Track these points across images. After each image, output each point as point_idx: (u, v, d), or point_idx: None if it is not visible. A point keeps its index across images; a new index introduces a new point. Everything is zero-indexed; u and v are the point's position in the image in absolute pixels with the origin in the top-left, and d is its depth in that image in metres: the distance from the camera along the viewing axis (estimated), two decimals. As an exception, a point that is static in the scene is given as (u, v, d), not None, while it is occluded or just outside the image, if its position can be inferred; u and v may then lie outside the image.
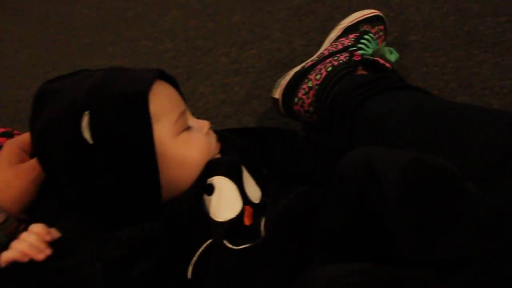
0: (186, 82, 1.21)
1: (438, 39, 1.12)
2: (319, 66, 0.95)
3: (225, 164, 0.65)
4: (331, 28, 1.05)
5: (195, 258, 0.61)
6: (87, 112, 0.60)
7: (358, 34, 0.98)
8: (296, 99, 0.94)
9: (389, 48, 0.93)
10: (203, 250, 0.62)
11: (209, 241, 0.62)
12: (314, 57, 1.00)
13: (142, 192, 0.62)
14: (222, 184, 0.64)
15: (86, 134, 0.60)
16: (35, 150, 0.64)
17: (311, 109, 0.92)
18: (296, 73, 0.97)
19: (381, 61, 0.89)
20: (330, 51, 0.97)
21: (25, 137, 0.68)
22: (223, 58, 1.24)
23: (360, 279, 0.53)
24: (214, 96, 1.16)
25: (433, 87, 1.02)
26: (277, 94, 0.98)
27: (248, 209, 0.65)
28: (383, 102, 0.78)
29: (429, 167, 0.51)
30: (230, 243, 0.60)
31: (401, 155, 0.57)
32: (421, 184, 0.50)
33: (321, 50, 1.03)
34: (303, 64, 1.00)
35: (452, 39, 1.12)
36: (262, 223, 0.62)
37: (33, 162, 0.66)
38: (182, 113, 0.66)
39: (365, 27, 1.00)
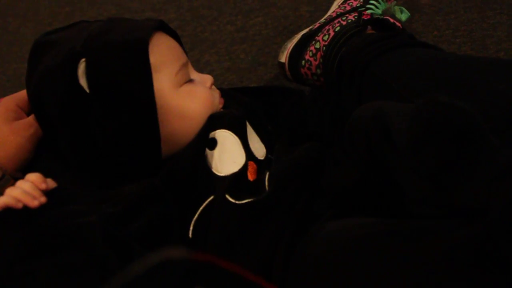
0: (191, 51, 1.18)
1: (450, 2, 1.08)
2: (326, 27, 0.91)
3: (228, 117, 0.63)
4: (339, -8, 1.02)
5: (196, 216, 0.59)
6: (83, 60, 0.58)
7: (367, -5, 0.94)
8: (303, 62, 0.91)
9: (399, 7, 0.89)
10: (205, 208, 0.59)
11: (211, 198, 0.60)
12: (322, 19, 0.97)
13: (141, 145, 0.60)
14: (225, 138, 0.62)
15: (83, 82, 0.57)
16: (32, 104, 0.62)
17: (318, 71, 0.89)
18: (303, 35, 0.94)
19: (392, 20, 0.86)
20: (338, 13, 0.94)
21: (22, 94, 0.66)
22: (228, 27, 1.21)
23: (372, 230, 0.51)
24: (219, 64, 1.13)
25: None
26: (284, 57, 0.95)
27: (252, 165, 0.62)
28: (393, 59, 0.75)
29: (445, 106, 0.47)
30: (233, 198, 0.58)
31: (414, 105, 0.54)
32: (436, 124, 0.46)
33: (329, 12, 0.99)
34: (310, 27, 0.97)
35: (464, 2, 1.08)
36: (266, 178, 0.60)
37: (30, 119, 0.64)
38: (184, 65, 0.64)
39: (375, -12, 0.97)
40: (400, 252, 0.46)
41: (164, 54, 0.62)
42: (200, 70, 1.15)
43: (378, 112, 0.56)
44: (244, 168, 0.60)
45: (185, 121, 0.62)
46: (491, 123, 0.55)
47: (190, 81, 0.64)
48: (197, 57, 1.16)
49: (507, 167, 0.47)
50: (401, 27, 0.86)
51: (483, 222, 0.45)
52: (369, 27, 0.88)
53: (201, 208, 0.60)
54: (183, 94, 0.62)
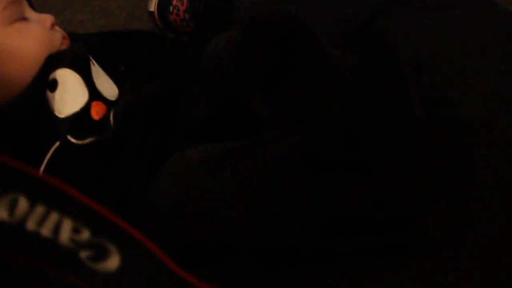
0: (63, 12, 1.11)
1: None
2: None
3: (68, 55, 0.58)
4: None
5: (43, 166, 0.55)
6: None
7: None
8: (171, 8, 0.88)
9: None
10: (52, 155, 0.55)
11: (56, 144, 0.56)
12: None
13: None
14: (65, 77, 0.57)
15: None
16: None
17: (187, 16, 0.86)
18: (170, -19, 0.91)
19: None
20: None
21: None
22: (102, -16, 1.15)
23: (211, 151, 0.49)
24: (93, 23, 1.07)
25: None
26: (152, 6, 0.91)
27: (100, 105, 0.58)
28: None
29: (270, 12, 0.45)
30: (75, 138, 0.54)
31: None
32: (259, 29, 0.44)
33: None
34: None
35: None
36: (111, 116, 0.56)
37: None
38: (14, 2, 0.58)
39: None
40: (235, 166, 0.45)
41: None
42: (73, 29, 1.09)
43: (230, 41, 0.54)
44: (87, 107, 0.56)
45: (18, 61, 0.56)
46: (333, 41, 0.55)
47: (24, 19, 0.59)
48: (70, 17, 1.09)
49: (339, 72, 0.46)
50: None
51: (313, 128, 0.44)
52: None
53: (48, 156, 0.55)
54: (12, 32, 0.57)
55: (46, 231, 0.30)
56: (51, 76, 0.57)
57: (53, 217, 0.30)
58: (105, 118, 0.57)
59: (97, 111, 0.57)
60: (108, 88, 0.61)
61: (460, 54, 0.49)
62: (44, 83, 0.57)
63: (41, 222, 0.30)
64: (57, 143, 0.55)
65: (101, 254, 0.31)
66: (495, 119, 0.42)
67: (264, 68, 0.45)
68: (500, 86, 0.45)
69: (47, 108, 0.56)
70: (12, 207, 0.29)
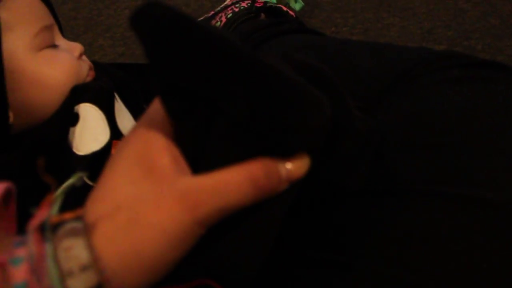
0: (84, 34, 1.11)
1: (348, 1, 1.10)
2: (220, 14, 0.89)
3: (93, 89, 0.57)
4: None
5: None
6: None
7: (263, -15, 0.93)
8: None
9: (294, -4, 0.89)
10: (64, 192, 0.54)
11: (70, 181, 0.54)
12: (218, 8, 0.95)
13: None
14: (88, 112, 0.56)
15: None
16: None
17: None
18: (197, 21, 0.91)
19: (285, 9, 0.85)
20: (234, 1, 0.92)
21: None
22: (126, 12, 1.15)
23: None
24: (113, 49, 1.07)
25: (340, 47, 0.99)
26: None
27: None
28: (279, 43, 0.74)
29: (313, 67, 0.42)
30: (91, 180, 0.53)
31: None
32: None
33: (226, 2, 0.97)
34: (206, 15, 0.94)
35: (362, 2, 1.09)
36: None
37: None
38: (47, 28, 0.57)
39: (272, -21, 0.96)
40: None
41: (21, 12, 0.55)
42: (91, 54, 1.09)
43: None
44: (107, 147, 0.55)
45: (43, 89, 0.55)
46: (356, 101, 0.54)
47: (54, 46, 0.58)
48: (90, 41, 1.09)
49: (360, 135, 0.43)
50: (294, 15, 0.85)
51: None
52: (262, 15, 0.86)
53: (59, 191, 0.54)
54: (41, 59, 0.56)
55: None
56: (75, 110, 0.56)
57: None
58: None
59: None
60: (130, 127, 0.60)
61: (489, 131, 0.46)
62: (67, 115, 0.56)
63: None
64: (70, 180, 0.54)
65: None
66: None
67: None
68: None
69: (66, 142, 0.55)
70: None
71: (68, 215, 0.31)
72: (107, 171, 0.33)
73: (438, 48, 0.98)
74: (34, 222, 0.31)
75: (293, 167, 0.31)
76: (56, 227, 0.30)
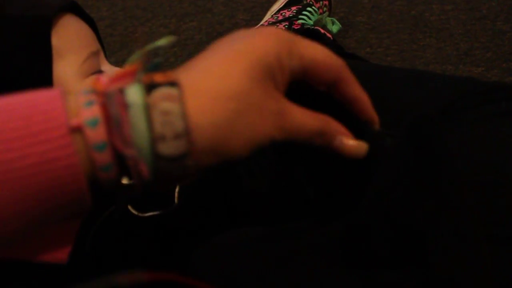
0: (120, 51, 1.13)
1: (383, 22, 1.09)
2: (257, 34, 0.89)
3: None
4: (275, 3, 1.00)
5: (94, 228, 0.54)
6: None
7: (300, 7, 0.93)
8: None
9: (331, 18, 0.89)
10: (104, 220, 0.54)
11: (111, 209, 0.55)
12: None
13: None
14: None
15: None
16: None
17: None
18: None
19: (322, 31, 0.85)
20: (270, 22, 0.92)
21: None
22: (161, 29, 1.17)
23: (249, 236, 0.47)
24: (148, 66, 1.09)
25: (375, 68, 0.99)
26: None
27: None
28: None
29: None
30: (136, 209, 0.53)
31: None
32: None
33: (262, 22, 0.98)
34: (242, 35, 0.95)
35: (397, 23, 1.09)
36: (177, 190, 0.55)
37: None
38: (94, 54, 0.58)
39: (309, 1, 0.96)
40: (273, 253, 0.43)
41: (71, 39, 0.56)
42: (127, 71, 1.11)
43: None
44: None
45: None
46: (397, 131, 0.54)
47: (100, 72, 0.59)
48: (125, 57, 1.11)
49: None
50: (331, 38, 0.85)
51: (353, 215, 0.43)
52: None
53: (100, 219, 0.54)
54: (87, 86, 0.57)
55: None
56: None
57: None
58: (171, 192, 0.56)
59: None
60: None
61: None
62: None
63: None
64: (112, 208, 0.54)
65: None
66: None
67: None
68: None
69: None
70: None
71: (159, 77, 0.29)
72: (210, 53, 0.33)
73: (476, 70, 0.97)
74: (114, 84, 0.29)
75: (350, 143, 0.36)
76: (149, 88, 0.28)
